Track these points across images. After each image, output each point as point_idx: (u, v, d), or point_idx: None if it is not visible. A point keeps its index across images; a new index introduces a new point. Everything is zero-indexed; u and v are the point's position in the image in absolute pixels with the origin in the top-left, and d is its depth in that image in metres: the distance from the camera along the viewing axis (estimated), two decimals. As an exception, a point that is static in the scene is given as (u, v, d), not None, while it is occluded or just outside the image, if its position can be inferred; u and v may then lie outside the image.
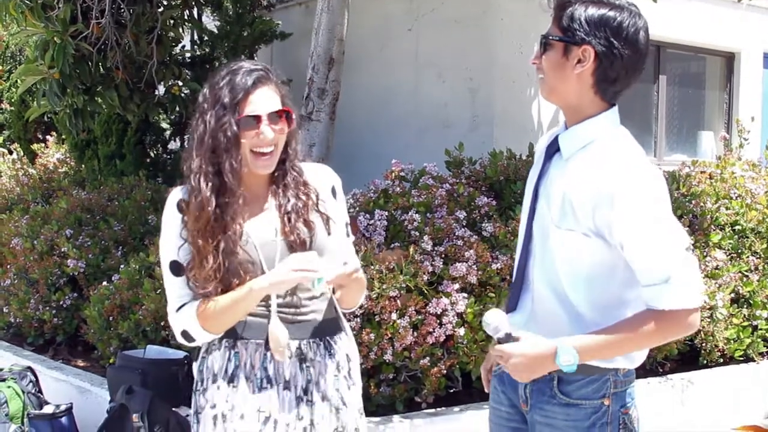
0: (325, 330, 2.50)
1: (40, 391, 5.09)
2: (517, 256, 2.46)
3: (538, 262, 2.35)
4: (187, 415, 4.54)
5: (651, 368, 5.39)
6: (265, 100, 2.36)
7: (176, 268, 2.43)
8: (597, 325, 2.23)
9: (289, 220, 2.42)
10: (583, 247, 2.24)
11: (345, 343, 2.56)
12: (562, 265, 2.28)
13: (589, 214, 2.20)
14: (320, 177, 2.56)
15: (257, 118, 2.34)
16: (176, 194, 2.44)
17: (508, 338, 2.22)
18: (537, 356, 2.20)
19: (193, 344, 2.49)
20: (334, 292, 2.51)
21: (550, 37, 2.29)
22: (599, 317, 2.25)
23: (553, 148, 2.38)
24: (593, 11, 2.24)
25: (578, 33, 2.23)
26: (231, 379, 2.44)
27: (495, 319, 2.22)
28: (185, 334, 2.45)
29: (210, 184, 2.35)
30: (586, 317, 2.26)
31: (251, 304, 2.37)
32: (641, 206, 2.16)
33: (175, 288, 2.44)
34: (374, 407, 4.54)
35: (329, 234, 2.48)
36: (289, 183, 2.47)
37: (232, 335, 2.45)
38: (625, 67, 2.26)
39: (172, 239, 2.43)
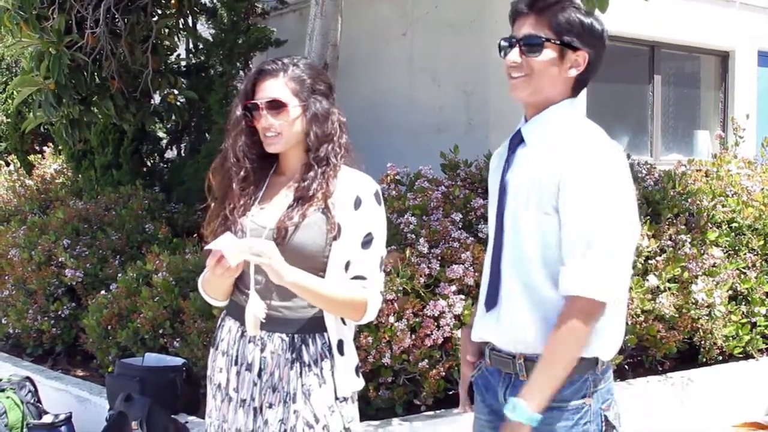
0: (297, 327, 2.51)
1: (39, 401, 5.09)
2: (489, 252, 2.46)
3: (508, 252, 2.36)
4: (186, 422, 4.55)
5: (650, 367, 5.39)
6: (265, 91, 2.54)
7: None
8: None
9: (290, 207, 2.51)
10: (548, 227, 2.26)
11: (324, 343, 2.53)
12: (531, 250, 2.29)
13: (553, 193, 2.23)
14: (348, 184, 2.54)
15: (255, 106, 2.54)
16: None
17: None
18: None
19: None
20: None
21: (550, 40, 2.28)
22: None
23: (516, 140, 2.42)
24: (581, 17, 2.30)
25: (576, 38, 2.28)
26: (217, 346, 2.66)
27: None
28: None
29: (225, 158, 2.61)
30: (550, 311, 2.25)
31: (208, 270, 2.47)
32: (592, 187, 2.19)
33: None
34: (373, 410, 4.54)
35: (335, 239, 2.47)
36: (312, 176, 2.52)
37: (226, 309, 2.68)
38: (597, 69, 2.36)
39: None
